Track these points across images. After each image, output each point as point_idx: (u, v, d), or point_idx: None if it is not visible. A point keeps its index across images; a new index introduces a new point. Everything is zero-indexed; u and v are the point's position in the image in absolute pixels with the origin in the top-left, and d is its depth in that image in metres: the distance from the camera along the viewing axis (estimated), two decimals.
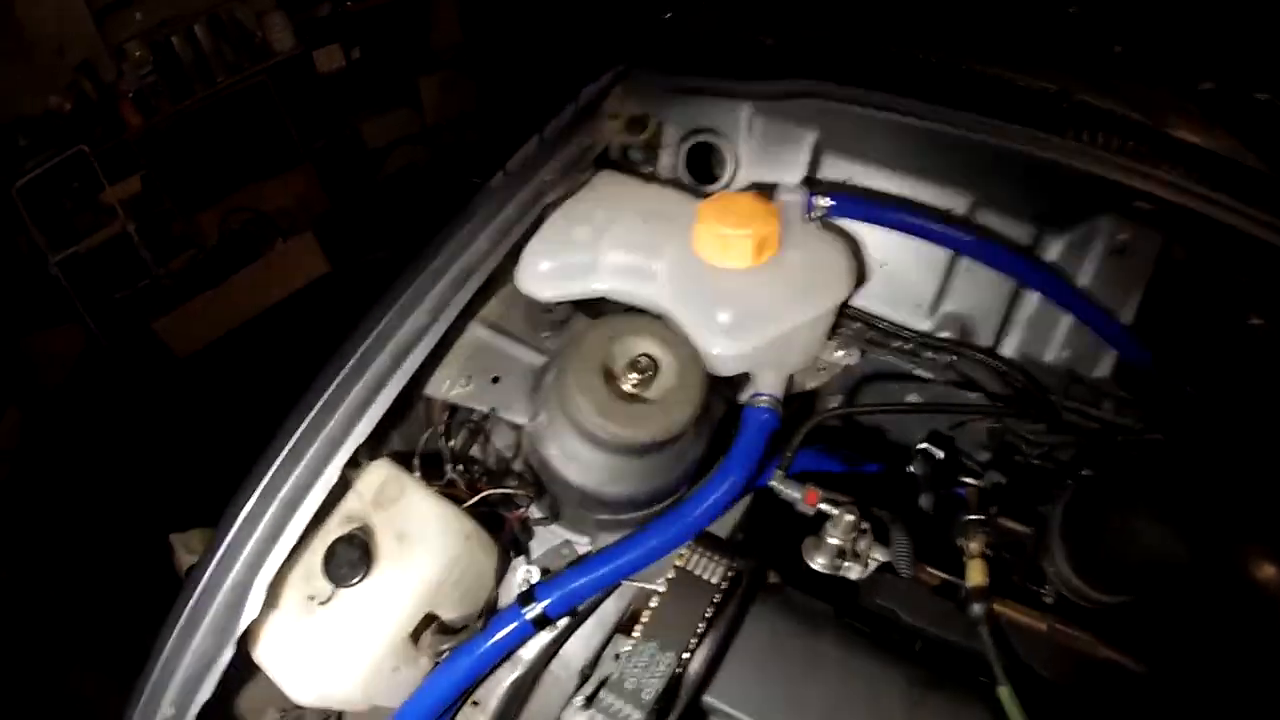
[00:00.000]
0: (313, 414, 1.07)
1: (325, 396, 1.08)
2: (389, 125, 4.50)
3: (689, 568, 0.96)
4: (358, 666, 1.02)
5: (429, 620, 1.08)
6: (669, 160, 1.43)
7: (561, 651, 1.14)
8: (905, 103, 1.27)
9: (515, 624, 1.07)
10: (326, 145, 4.06)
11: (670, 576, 0.95)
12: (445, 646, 1.06)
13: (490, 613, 1.12)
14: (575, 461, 1.11)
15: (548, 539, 1.22)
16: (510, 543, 1.19)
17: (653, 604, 0.94)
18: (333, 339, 1.17)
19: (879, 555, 1.06)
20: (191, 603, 1.01)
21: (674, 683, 0.91)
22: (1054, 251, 1.28)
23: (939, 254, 1.31)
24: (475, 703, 1.12)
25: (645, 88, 1.45)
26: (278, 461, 1.05)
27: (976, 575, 1.03)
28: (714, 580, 0.95)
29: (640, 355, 1.09)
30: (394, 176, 3.96)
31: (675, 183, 1.41)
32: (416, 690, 1.09)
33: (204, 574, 1.02)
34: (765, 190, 1.28)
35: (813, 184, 1.33)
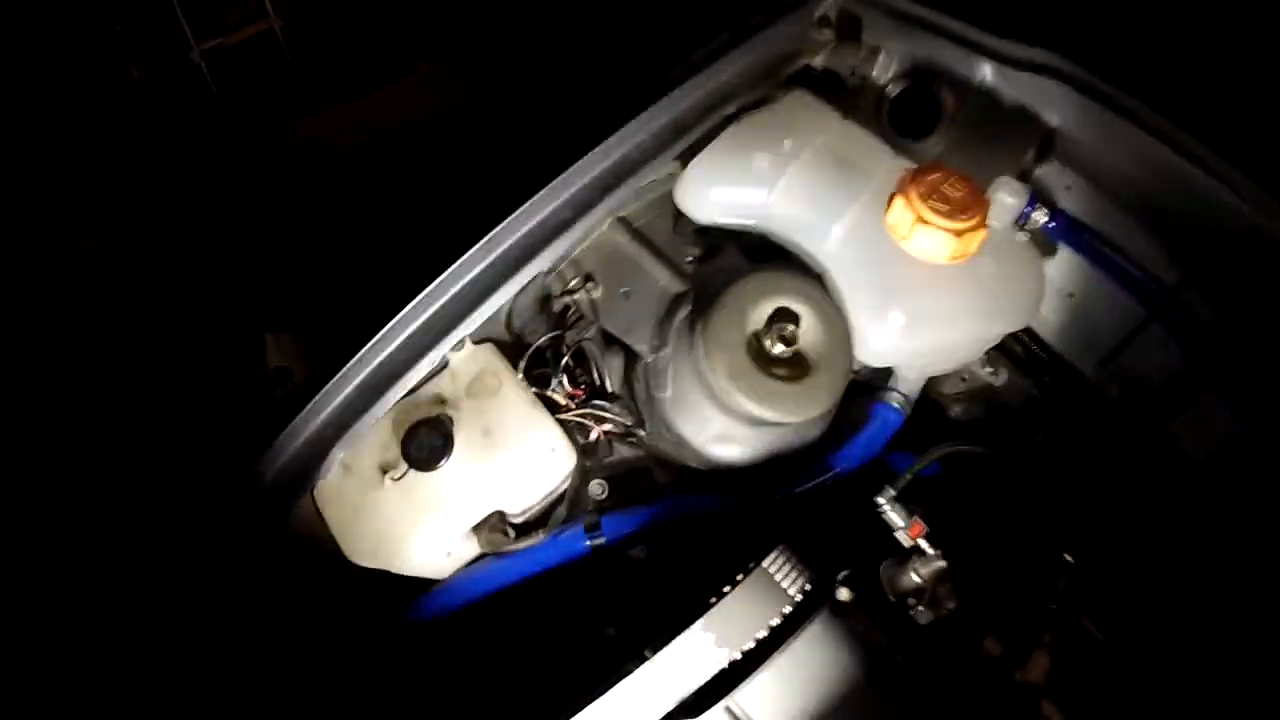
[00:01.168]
0: (432, 288, 1.01)
1: (449, 272, 1.02)
2: None
3: (771, 570, 0.91)
4: (415, 546, 1.02)
5: (493, 515, 1.07)
6: (870, 99, 1.25)
7: None
8: (1171, 128, 1.05)
9: (575, 547, 1.06)
10: None
11: (750, 573, 0.90)
12: (505, 547, 1.05)
13: (554, 522, 1.10)
14: (689, 413, 1.04)
15: (628, 458, 1.18)
16: (591, 454, 1.15)
17: (725, 595, 0.90)
18: (459, 172, 1.08)
19: (951, 605, 1.00)
20: (266, 454, 1.00)
21: (715, 681, 0.89)
22: None
23: (1134, 306, 1.14)
24: None
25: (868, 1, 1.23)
26: (388, 328, 1.01)
27: (1037, 670, 0.97)
28: (790, 591, 0.90)
29: (790, 323, 0.98)
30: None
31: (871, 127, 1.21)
32: (463, 575, 1.09)
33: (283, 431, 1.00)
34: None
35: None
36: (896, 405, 1.07)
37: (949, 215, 0.95)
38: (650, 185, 1.16)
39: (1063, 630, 1.02)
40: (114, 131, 2.18)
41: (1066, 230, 1.09)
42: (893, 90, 1.22)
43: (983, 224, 0.97)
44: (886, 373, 1.11)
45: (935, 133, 1.20)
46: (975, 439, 1.15)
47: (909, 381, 1.09)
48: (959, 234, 0.95)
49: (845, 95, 1.24)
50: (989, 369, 1.16)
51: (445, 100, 2.40)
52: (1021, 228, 1.07)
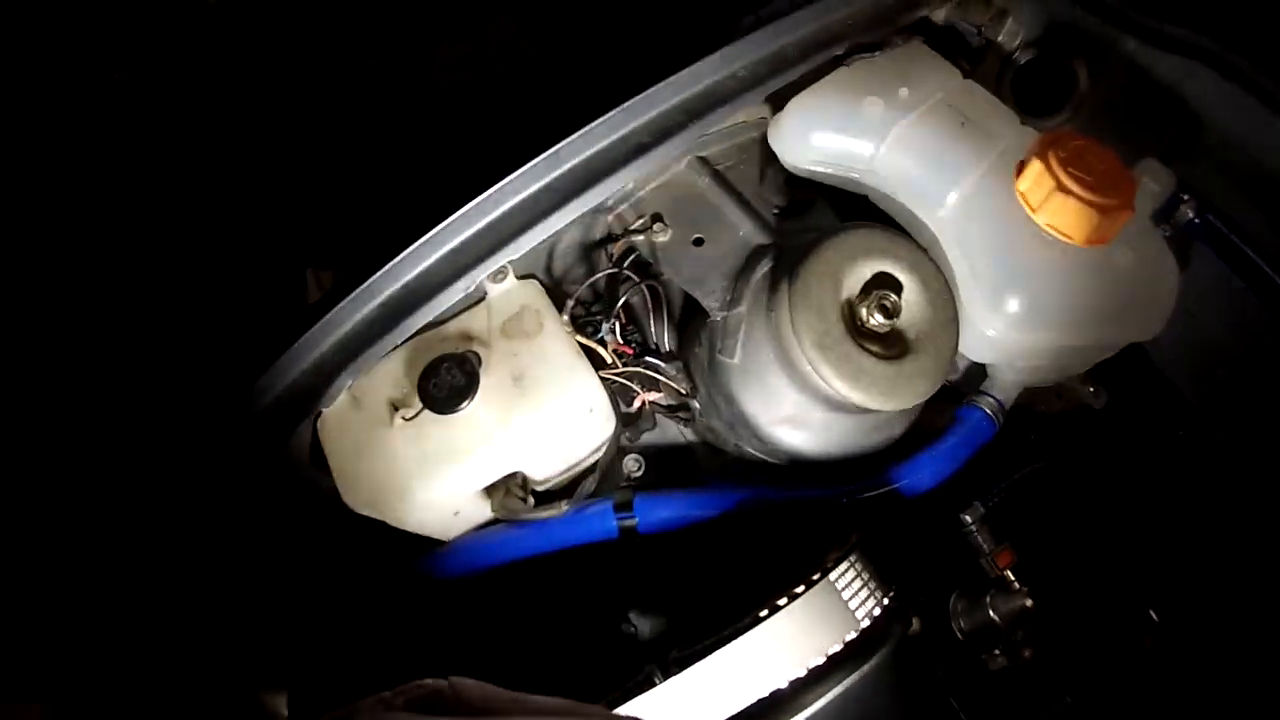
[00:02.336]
0: (479, 201, 0.86)
1: (500, 187, 0.87)
2: None
3: (837, 584, 0.76)
4: (418, 498, 0.87)
5: (512, 476, 0.92)
6: (993, 65, 1.10)
7: None
8: None
9: (602, 525, 0.92)
10: None
11: (814, 585, 0.75)
12: (520, 515, 0.91)
13: (580, 495, 0.95)
14: (757, 386, 0.89)
15: (671, 433, 1.04)
16: (631, 423, 1.00)
17: (779, 609, 0.74)
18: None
19: (1027, 654, 0.86)
20: (267, 373, 0.86)
21: (751, 710, 0.74)
22: None
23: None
24: None
25: None
26: (421, 241, 0.86)
27: None
28: (859, 614, 0.75)
29: (892, 292, 0.83)
30: None
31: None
32: (470, 541, 0.95)
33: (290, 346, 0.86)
34: None
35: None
36: (989, 412, 0.92)
37: (1093, 188, 0.80)
38: (738, 128, 1.02)
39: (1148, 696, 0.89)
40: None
41: (1218, 237, 0.94)
42: (1021, 58, 1.07)
43: (1129, 205, 0.82)
44: (976, 381, 0.96)
45: (1063, 111, 1.05)
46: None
47: (1004, 388, 0.94)
48: (1103, 210, 0.80)
49: (966, 57, 1.10)
50: (1091, 388, 1.02)
51: (514, 59, 2.26)
52: (1162, 222, 0.92)
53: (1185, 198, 0.94)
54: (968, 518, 0.86)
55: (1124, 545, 0.97)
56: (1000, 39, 1.08)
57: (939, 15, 1.07)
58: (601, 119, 0.90)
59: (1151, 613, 0.94)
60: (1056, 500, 0.98)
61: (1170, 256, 0.90)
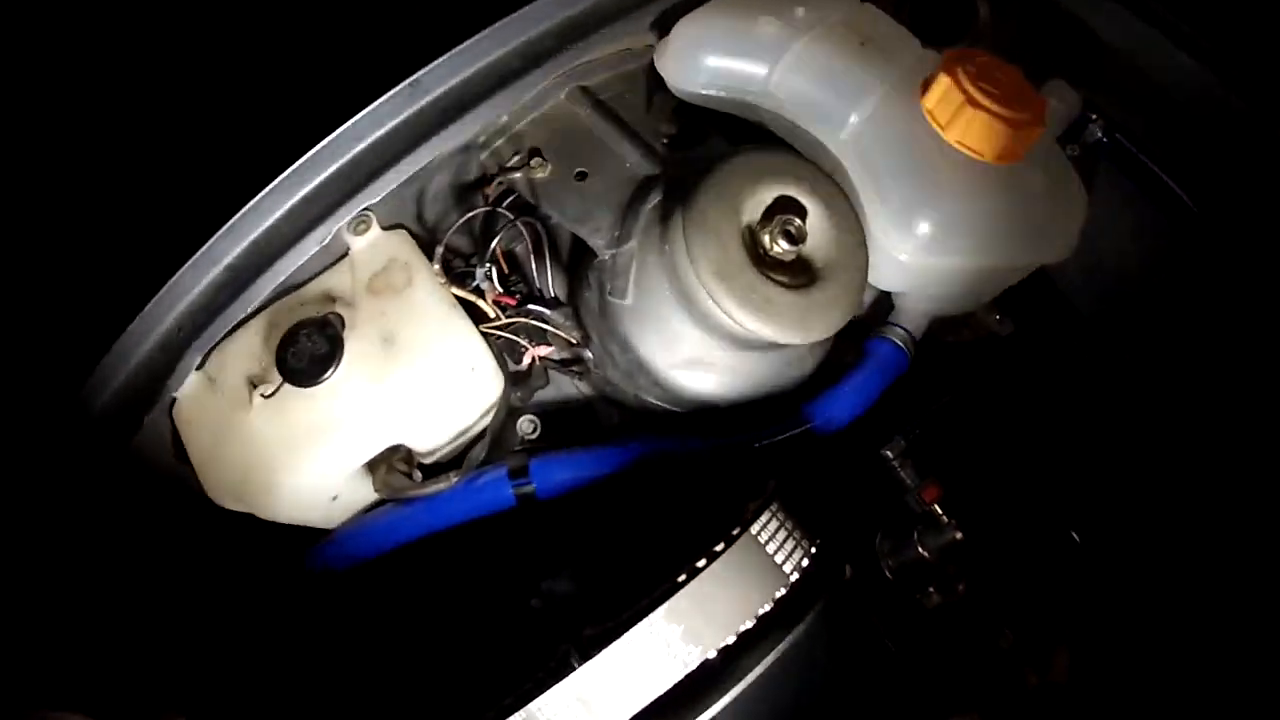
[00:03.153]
0: (329, 140, 0.75)
1: (353, 122, 0.76)
2: None
3: (761, 537, 0.69)
4: (287, 485, 0.76)
5: (393, 450, 0.82)
6: None
7: None
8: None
9: (497, 495, 0.83)
10: None
11: (735, 541, 0.68)
12: (406, 492, 0.81)
13: (471, 464, 0.86)
14: (654, 328, 0.81)
15: (566, 389, 0.96)
16: (521, 382, 0.92)
17: (699, 571, 0.67)
18: None
19: (960, 589, 0.83)
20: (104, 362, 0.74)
21: (681, 686, 0.67)
22: None
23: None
24: None
25: None
26: (265, 191, 0.75)
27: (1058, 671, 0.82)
28: (786, 567, 0.69)
29: (796, 217, 0.76)
30: None
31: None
32: (354, 528, 0.85)
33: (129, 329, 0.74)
34: None
35: None
36: (900, 343, 0.88)
37: (1003, 102, 0.76)
38: (622, 56, 0.92)
39: (1085, 625, 0.87)
40: None
41: (1119, 152, 0.92)
42: None
43: (1041, 120, 0.78)
44: (884, 315, 0.92)
45: (962, 42, 1.00)
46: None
47: (913, 318, 0.90)
48: (1014, 125, 0.75)
49: None
50: (997, 316, 0.99)
51: None
52: (1071, 143, 0.89)
53: (1094, 117, 0.91)
54: (889, 453, 0.82)
55: (1041, 471, 0.95)
56: None
57: None
58: (465, 43, 0.81)
59: (1074, 534, 0.93)
60: (972, 431, 0.95)
61: (1077, 177, 0.87)
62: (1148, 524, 0.92)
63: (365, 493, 0.83)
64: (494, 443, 0.88)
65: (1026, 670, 0.83)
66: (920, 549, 0.81)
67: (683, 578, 0.66)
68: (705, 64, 0.84)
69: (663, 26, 0.88)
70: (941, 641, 0.82)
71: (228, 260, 0.76)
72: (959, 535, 0.79)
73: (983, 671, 0.83)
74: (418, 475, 0.82)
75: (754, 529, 0.69)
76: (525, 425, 0.92)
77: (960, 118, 0.76)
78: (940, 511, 0.80)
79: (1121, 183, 0.95)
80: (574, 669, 0.64)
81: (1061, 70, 0.95)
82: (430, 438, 0.84)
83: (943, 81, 0.77)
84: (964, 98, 0.75)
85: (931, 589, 0.81)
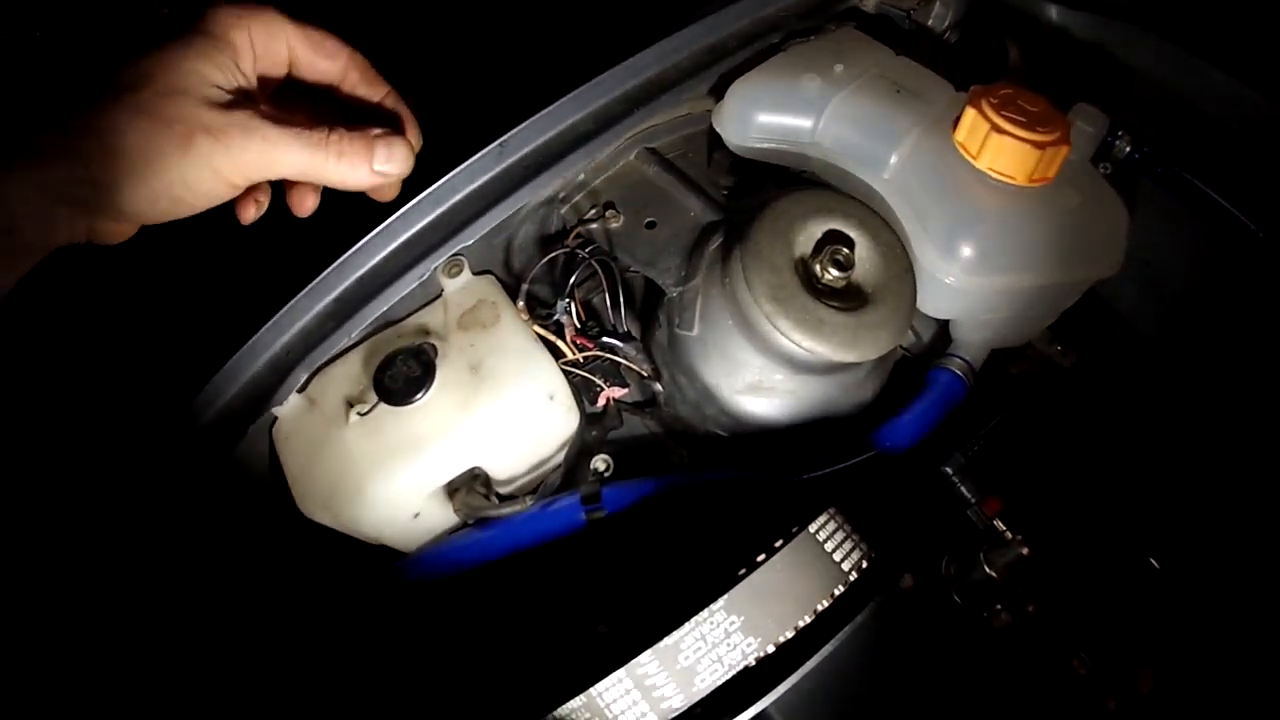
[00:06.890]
0: (431, 191, 0.86)
1: (450, 178, 0.87)
2: None
3: (819, 535, 0.72)
4: (376, 500, 0.83)
5: (473, 475, 0.89)
6: (925, 48, 1.14)
7: None
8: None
9: (569, 521, 0.88)
10: None
11: (791, 539, 0.72)
12: (484, 513, 0.87)
13: (545, 492, 0.92)
14: (718, 356, 0.87)
15: (637, 429, 1.01)
16: (596, 420, 0.98)
17: (759, 565, 0.71)
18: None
19: (1030, 609, 0.82)
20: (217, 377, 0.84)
21: (740, 678, 0.69)
22: None
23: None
24: None
25: None
26: (372, 234, 0.86)
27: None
28: (845, 565, 0.72)
29: (844, 247, 0.82)
30: None
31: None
32: (434, 548, 0.91)
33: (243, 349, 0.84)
34: None
35: None
36: (959, 372, 0.91)
37: (1027, 126, 0.81)
38: (685, 120, 1.03)
39: (1166, 649, 0.84)
40: None
41: (1152, 164, 0.95)
42: (951, 38, 1.10)
43: (1066, 139, 0.82)
44: (943, 348, 0.95)
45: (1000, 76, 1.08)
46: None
47: (971, 347, 0.93)
48: (1040, 146, 0.81)
49: (899, 42, 1.12)
50: (1057, 346, 1.01)
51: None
52: (1103, 160, 0.94)
53: (1121, 134, 0.95)
54: (949, 469, 0.84)
55: (1112, 489, 0.94)
56: (930, 22, 1.11)
57: (869, 4, 1.11)
58: (546, 109, 0.92)
59: (1152, 560, 0.90)
60: (1035, 448, 0.95)
61: (1113, 192, 0.90)
62: (1227, 548, 0.89)
63: (444, 517, 0.89)
64: (569, 477, 0.94)
65: (1105, 697, 0.81)
66: (986, 567, 0.81)
67: (743, 571, 0.70)
68: (757, 120, 0.93)
69: (719, 91, 0.98)
70: (1013, 663, 0.81)
71: (336, 292, 0.86)
72: (1025, 551, 0.79)
73: (1057, 696, 0.81)
74: (494, 499, 0.88)
75: (812, 528, 0.72)
76: (599, 464, 0.97)
77: (988, 146, 0.82)
78: (1003, 527, 0.81)
79: (1162, 197, 0.98)
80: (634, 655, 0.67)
81: (1092, 97, 1.00)
82: (509, 463, 0.90)
83: (969, 114, 0.83)
84: (989, 126, 0.81)
85: (1000, 608, 0.81)
